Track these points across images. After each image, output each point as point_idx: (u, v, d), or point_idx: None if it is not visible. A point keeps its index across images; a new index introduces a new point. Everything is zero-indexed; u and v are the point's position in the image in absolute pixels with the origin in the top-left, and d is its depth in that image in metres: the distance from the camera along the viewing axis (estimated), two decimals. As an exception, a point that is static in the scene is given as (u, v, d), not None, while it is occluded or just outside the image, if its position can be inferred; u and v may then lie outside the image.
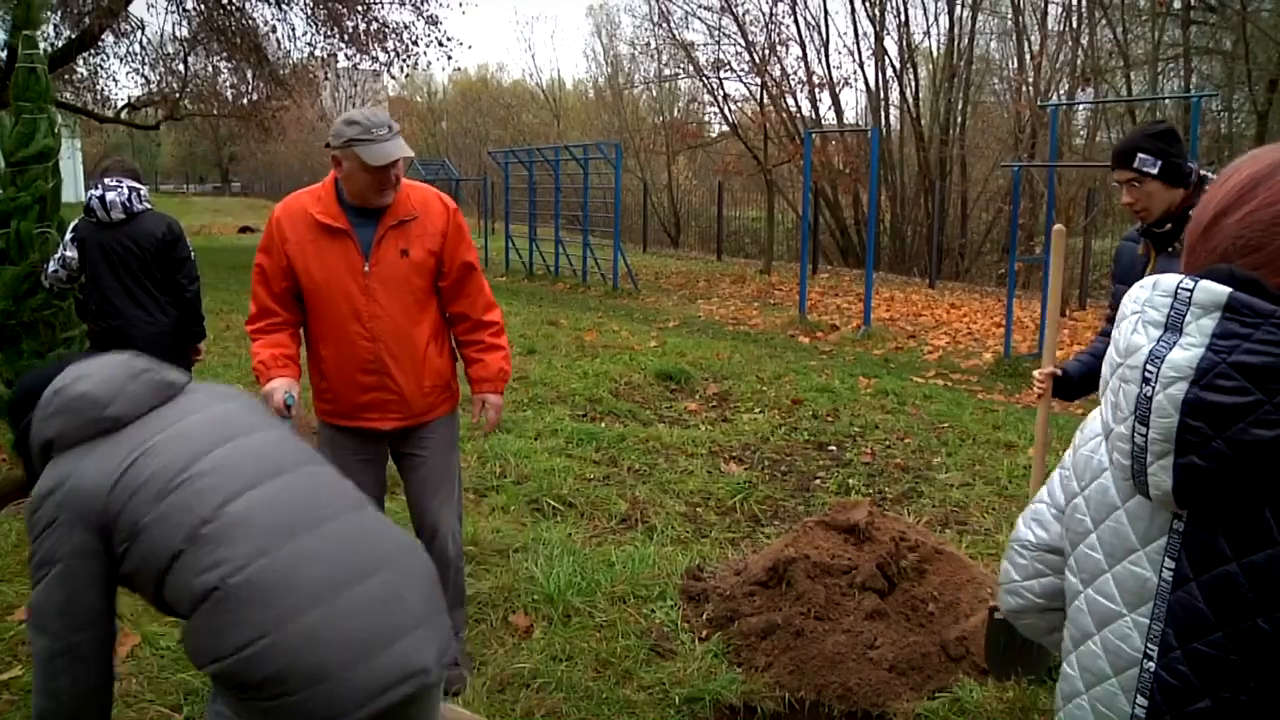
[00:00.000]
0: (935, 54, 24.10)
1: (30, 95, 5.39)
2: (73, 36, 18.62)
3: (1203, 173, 3.18)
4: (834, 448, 6.70)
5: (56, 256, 5.11)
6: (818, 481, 5.97)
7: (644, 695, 3.45)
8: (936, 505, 5.48)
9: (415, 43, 21.46)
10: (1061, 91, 19.45)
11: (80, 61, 20.41)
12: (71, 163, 34.25)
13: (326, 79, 25.91)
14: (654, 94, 32.52)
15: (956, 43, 22.33)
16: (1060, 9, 19.83)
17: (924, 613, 3.82)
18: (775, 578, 3.98)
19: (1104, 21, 18.19)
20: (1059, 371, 3.42)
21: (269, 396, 3.26)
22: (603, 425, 7.05)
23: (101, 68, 22.31)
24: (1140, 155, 3.09)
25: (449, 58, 53.09)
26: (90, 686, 2.09)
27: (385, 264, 3.24)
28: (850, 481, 5.92)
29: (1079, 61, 19.18)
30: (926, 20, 33.62)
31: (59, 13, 18.56)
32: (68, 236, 5.10)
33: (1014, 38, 21.75)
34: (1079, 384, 3.44)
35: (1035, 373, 3.48)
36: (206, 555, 1.93)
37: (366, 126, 3.06)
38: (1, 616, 4.04)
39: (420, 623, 2.00)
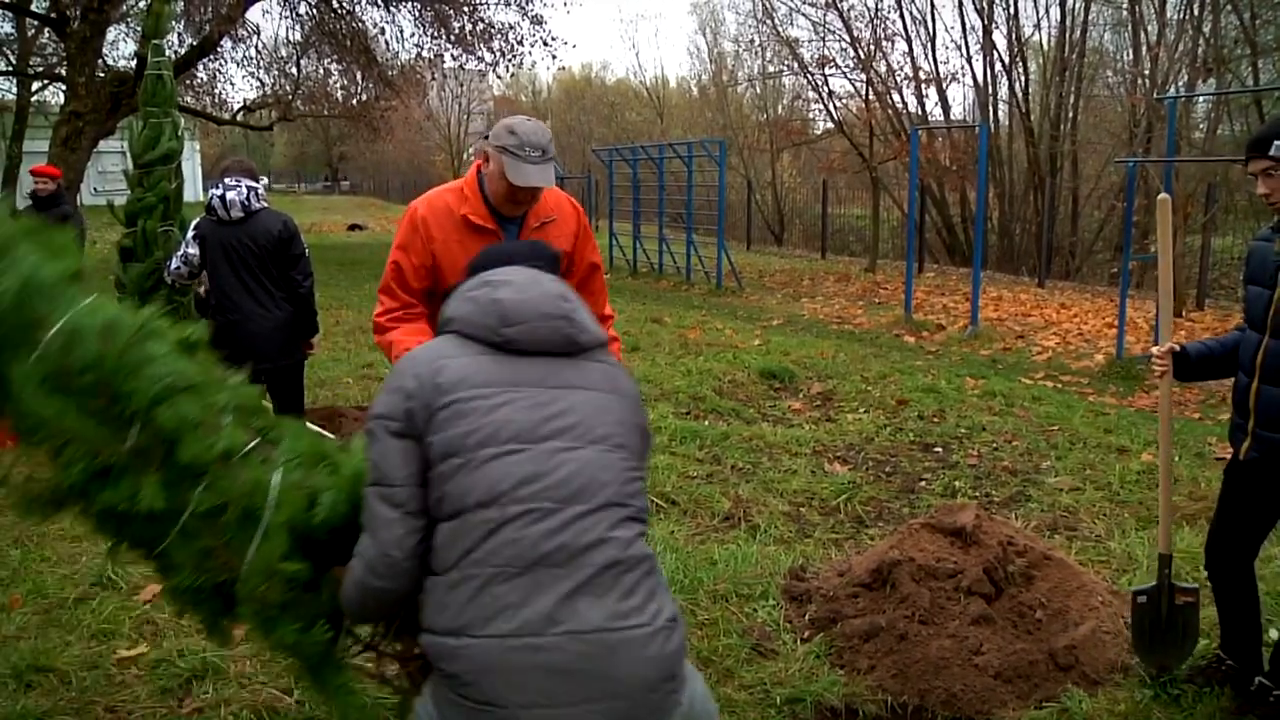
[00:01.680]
0: (1046, 47, 23.50)
1: (157, 100, 5.62)
2: (194, 43, 19.34)
3: None
4: (940, 449, 6.59)
5: (179, 254, 5.32)
6: (923, 483, 5.88)
7: (745, 694, 3.45)
8: (1045, 510, 5.35)
9: (520, 42, 21.76)
10: (1180, 83, 18.77)
11: (200, 67, 21.19)
12: (191, 164, 35.61)
13: (433, 79, 26.41)
14: (758, 91, 32.43)
15: (1068, 34, 21.74)
16: (1180, -3, 19.14)
17: (1031, 620, 3.73)
18: (879, 580, 3.93)
19: (1229, 7, 17.48)
20: (1178, 347, 3.32)
21: None
22: (706, 423, 7.05)
23: (220, 72, 23.22)
24: (1278, 142, 2.97)
25: (553, 57, 53.54)
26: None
27: None
28: (956, 484, 5.82)
29: (1200, 51, 18.47)
30: (1037, 13, 32.74)
31: (182, 21, 19.30)
32: (189, 234, 5.30)
33: (1129, 28, 21.05)
34: (1195, 364, 3.33)
35: (1153, 349, 3.38)
36: (470, 535, 1.91)
37: (521, 142, 3.02)
38: (129, 596, 4.23)
39: (601, 699, 1.86)
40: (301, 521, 2.05)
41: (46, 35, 21.90)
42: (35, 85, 23.52)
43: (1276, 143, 2.98)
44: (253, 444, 2.09)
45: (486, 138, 3.18)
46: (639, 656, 1.87)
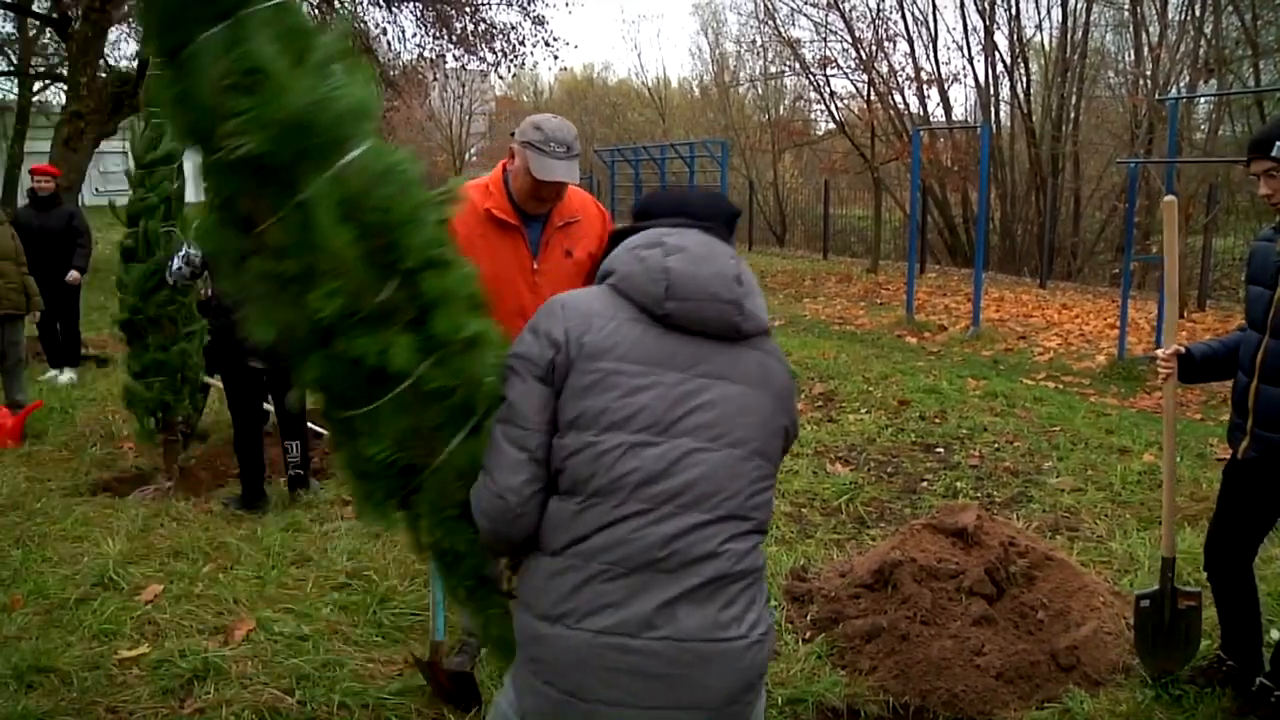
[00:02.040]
0: (1047, 48, 23.48)
1: (159, 101, 5.62)
2: (196, 42, 19.32)
3: None
4: (941, 450, 6.59)
5: (180, 254, 5.31)
6: (925, 484, 5.87)
7: (746, 695, 3.44)
8: (1047, 510, 5.35)
9: (522, 43, 21.72)
10: (1182, 84, 18.76)
11: (203, 66, 21.15)
12: (192, 164, 35.58)
13: (435, 79, 26.40)
14: (760, 92, 32.38)
15: (1070, 35, 21.72)
16: (1182, -3, 19.13)
17: (1033, 620, 3.73)
18: (881, 580, 3.93)
19: (1231, 8, 17.46)
20: (1183, 350, 3.32)
21: None
22: (705, 424, 7.03)
23: (223, 72, 23.12)
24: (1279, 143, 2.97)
25: (555, 57, 53.62)
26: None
27: (551, 263, 3.25)
28: (958, 484, 5.82)
29: (1201, 52, 18.45)
30: (1038, 13, 32.65)
31: (183, 20, 19.28)
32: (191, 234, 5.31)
33: (1131, 29, 21.04)
34: (1200, 365, 3.33)
35: (1158, 352, 3.38)
36: (584, 523, 1.86)
37: (547, 138, 3.03)
38: (130, 596, 4.23)
39: (685, 707, 1.85)
40: None
41: (48, 35, 21.90)
42: (37, 85, 23.51)
43: (1279, 143, 2.98)
44: (489, 342, 2.04)
45: (513, 135, 3.18)
46: (730, 669, 1.85)
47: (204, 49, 1.72)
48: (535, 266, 3.23)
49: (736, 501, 1.89)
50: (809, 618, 3.95)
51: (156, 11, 1.74)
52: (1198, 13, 18.48)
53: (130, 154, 5.75)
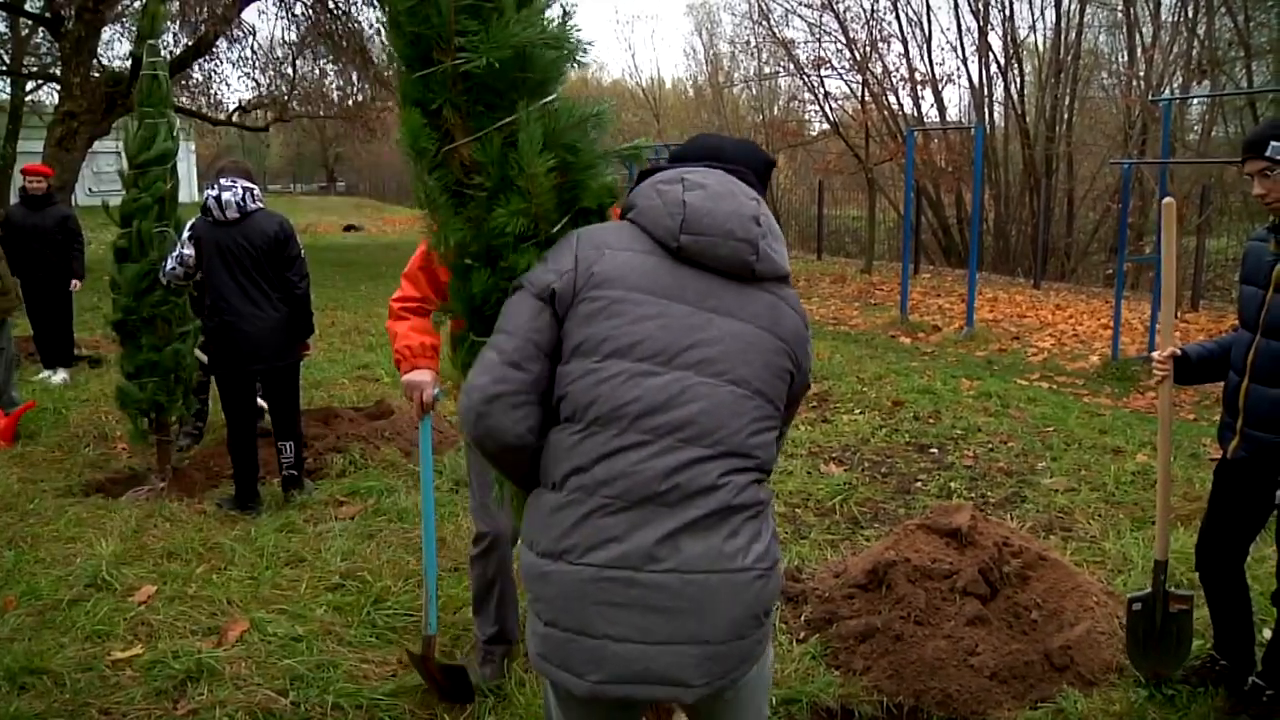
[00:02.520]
0: (1041, 49, 23.51)
1: (152, 101, 5.60)
2: (189, 44, 19.32)
3: None
4: (935, 450, 6.60)
5: (174, 254, 5.31)
6: (918, 484, 5.88)
7: (740, 695, 3.44)
8: (1040, 511, 5.36)
9: (516, 42, 21.69)
10: (1175, 85, 18.79)
11: (196, 67, 21.16)
12: (186, 164, 35.55)
13: (430, 80, 26.33)
14: (754, 92, 32.35)
15: (1063, 36, 21.75)
16: (1175, -1, 19.17)
17: (1027, 620, 3.74)
18: (875, 580, 3.94)
19: (1224, 9, 17.51)
20: (1179, 352, 3.32)
21: (415, 387, 3.22)
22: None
23: (215, 73, 23.15)
24: (1275, 143, 2.98)
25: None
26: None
27: None
28: (952, 485, 5.82)
29: (1194, 53, 18.50)
30: (1032, 14, 32.80)
31: (177, 21, 19.27)
32: (185, 235, 5.29)
33: (1124, 30, 21.08)
34: (1196, 367, 3.33)
35: (1154, 354, 3.39)
36: (583, 452, 1.88)
37: None
38: (124, 597, 4.22)
39: (691, 640, 1.84)
40: None
41: (41, 35, 21.82)
42: (30, 85, 23.46)
43: (1274, 143, 2.99)
44: None
45: None
46: (736, 600, 1.85)
47: None
48: None
49: (738, 439, 1.90)
50: (803, 618, 3.95)
51: None
52: (1191, 14, 18.54)
53: (124, 154, 5.74)
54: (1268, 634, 3.54)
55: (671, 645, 1.82)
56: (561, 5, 2.06)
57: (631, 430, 1.85)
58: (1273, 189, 3.03)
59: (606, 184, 2.09)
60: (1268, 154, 3.00)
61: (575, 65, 2.10)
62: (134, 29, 18.60)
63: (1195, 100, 17.56)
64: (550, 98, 2.03)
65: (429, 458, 3.47)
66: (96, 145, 17.93)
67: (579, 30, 2.07)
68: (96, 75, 16.79)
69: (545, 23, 2.00)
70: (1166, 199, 3.54)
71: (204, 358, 5.73)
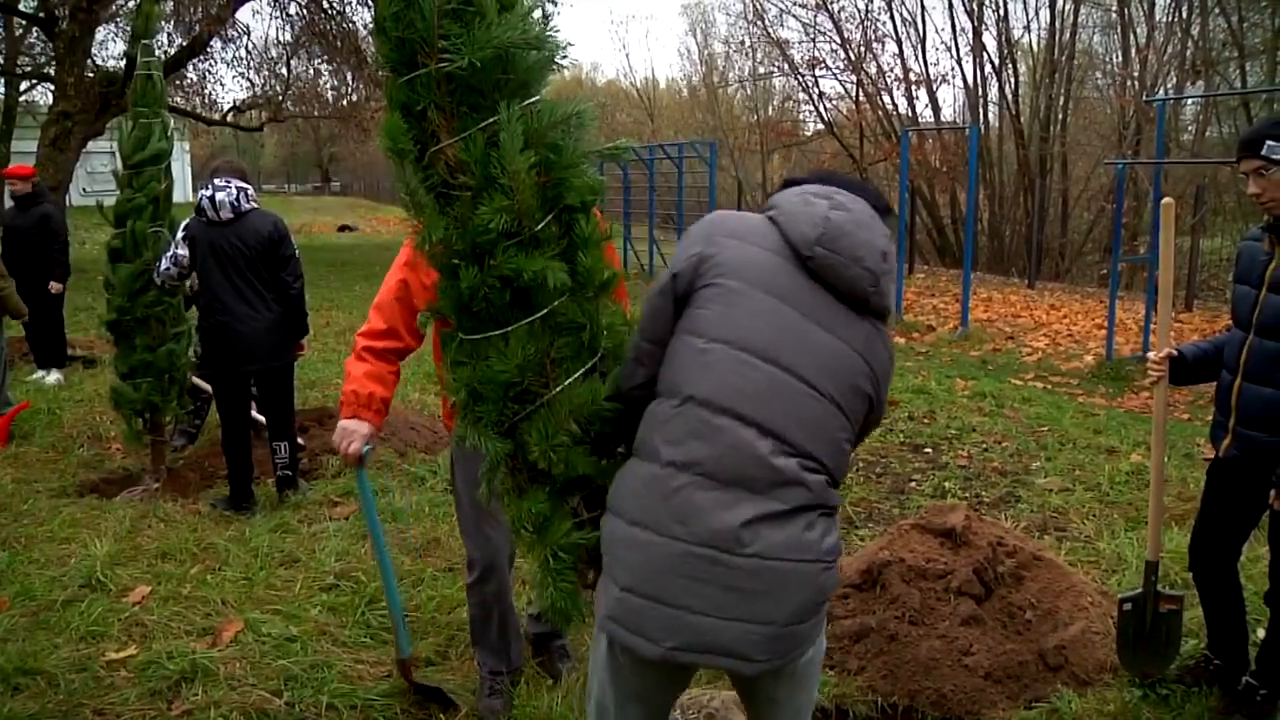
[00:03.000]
0: (1035, 49, 23.57)
1: (147, 101, 5.59)
2: (184, 44, 19.27)
3: None
4: (930, 450, 6.60)
5: (168, 254, 5.30)
6: (913, 484, 5.89)
7: (734, 695, 3.44)
8: (1035, 511, 5.36)
9: (511, 43, 21.69)
10: (1169, 85, 18.83)
11: (190, 67, 21.11)
12: (180, 164, 35.44)
13: (424, 80, 26.32)
14: (748, 92, 32.42)
15: (1058, 37, 21.82)
16: (1169, -1, 19.22)
17: (1021, 620, 3.74)
18: (869, 580, 3.93)
19: (1217, 10, 17.55)
20: (1175, 352, 3.34)
21: (346, 436, 2.99)
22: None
23: (209, 73, 23.11)
24: (1270, 142, 2.98)
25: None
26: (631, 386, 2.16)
27: None
28: (946, 485, 5.83)
29: (1189, 53, 18.54)
30: (1026, 15, 32.79)
31: (172, 21, 19.24)
32: (179, 235, 5.28)
33: (1118, 30, 21.15)
34: (1192, 367, 3.34)
35: (1150, 354, 3.40)
36: (677, 425, 1.98)
37: None
38: (118, 598, 4.21)
39: (759, 620, 1.95)
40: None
41: (35, 35, 21.77)
42: (23, 85, 23.40)
43: (1269, 143, 2.99)
44: (614, 292, 2.29)
45: None
46: (805, 588, 1.96)
47: None
48: None
49: (818, 443, 1.99)
50: (798, 618, 3.94)
51: None
52: (1185, 14, 18.58)
53: (118, 154, 5.73)
54: (1262, 633, 3.55)
55: (741, 623, 1.93)
56: (543, 9, 2.12)
57: (726, 415, 1.95)
58: (1268, 188, 3.04)
59: (590, 182, 2.15)
60: (1263, 153, 3.00)
61: (557, 68, 2.16)
62: (128, 29, 18.56)
63: (1189, 100, 17.62)
64: (533, 99, 2.10)
65: (372, 509, 3.31)
66: (91, 145, 17.90)
67: (558, 32, 2.14)
68: (91, 75, 16.77)
69: (527, 26, 2.06)
70: (1165, 199, 3.54)
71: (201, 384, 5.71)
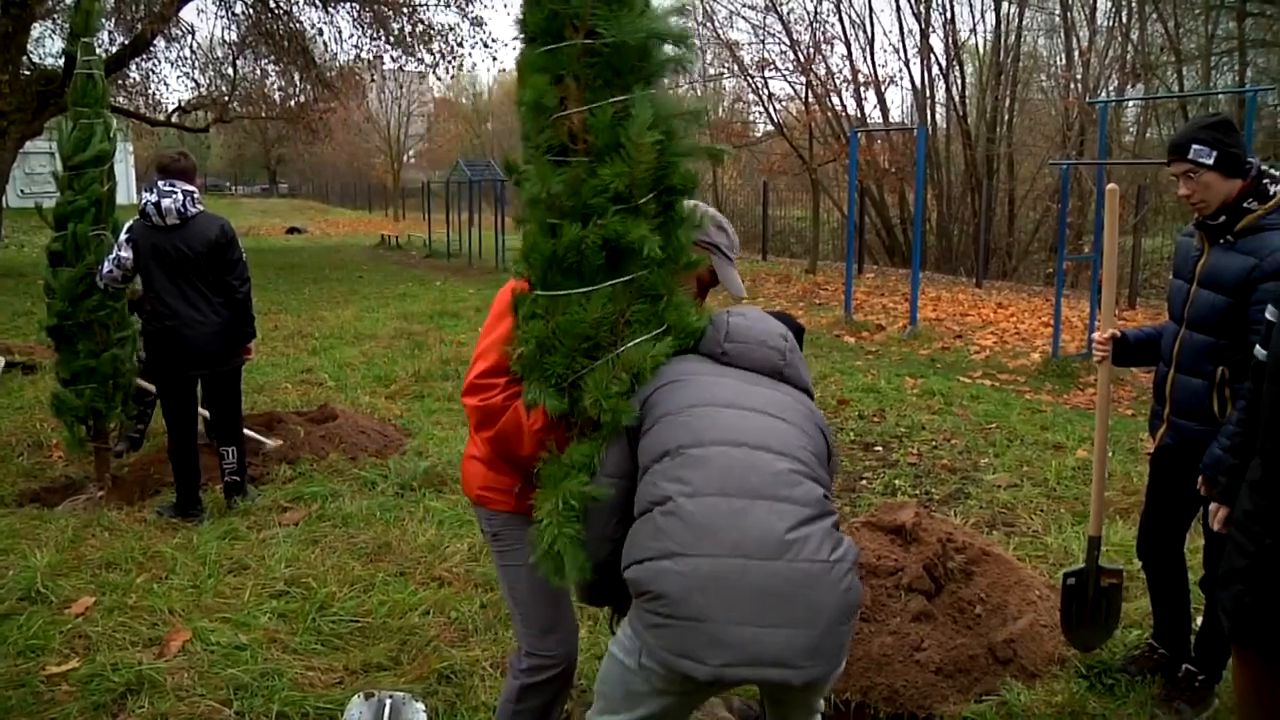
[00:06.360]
0: (981, 51, 23.87)
1: (88, 100, 5.49)
2: (126, 42, 18.95)
3: (1263, 167, 3.13)
4: (880, 448, 6.66)
5: (111, 257, 5.20)
6: (864, 482, 5.93)
7: (689, 695, 3.44)
8: (984, 506, 5.43)
9: (460, 44, 21.64)
10: (1111, 88, 19.17)
11: (133, 66, 20.75)
12: (124, 166, 34.80)
13: (372, 81, 26.15)
14: (698, 93, 32.46)
15: (1003, 39, 22.12)
16: (1110, 3, 19.56)
17: (971, 615, 3.78)
18: (821, 579, 3.96)
19: (1155, 15, 17.91)
20: (1118, 334, 3.43)
21: None
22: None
23: (153, 72, 22.72)
24: (1195, 146, 3.06)
25: (494, 59, 53.43)
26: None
27: None
28: (897, 482, 5.88)
29: (1129, 57, 18.90)
30: (972, 17, 33.27)
31: (113, 19, 18.91)
32: (122, 237, 5.18)
33: (1062, 33, 21.51)
34: (1135, 348, 3.49)
35: (1095, 335, 3.49)
36: (678, 469, 2.13)
37: (732, 242, 2.87)
38: (60, 610, 4.12)
39: (800, 625, 2.01)
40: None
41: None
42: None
43: (1195, 146, 3.07)
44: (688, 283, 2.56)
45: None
46: (835, 589, 2.05)
47: None
48: None
49: (805, 456, 2.21)
50: (751, 617, 3.95)
51: None
52: (1124, 19, 18.93)
53: (58, 155, 5.61)
54: (1200, 622, 3.63)
55: (780, 629, 1.99)
56: (679, 12, 2.33)
57: (721, 443, 2.15)
58: (1196, 190, 3.12)
59: (691, 171, 2.36)
60: (1190, 157, 3.08)
61: (681, 68, 2.38)
62: (67, 26, 18.19)
63: (1130, 103, 17.94)
64: (655, 89, 2.31)
65: None
66: (29, 145, 17.54)
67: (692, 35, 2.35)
68: (27, 73, 16.42)
69: (668, 22, 2.28)
70: (1110, 185, 3.63)
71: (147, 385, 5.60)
